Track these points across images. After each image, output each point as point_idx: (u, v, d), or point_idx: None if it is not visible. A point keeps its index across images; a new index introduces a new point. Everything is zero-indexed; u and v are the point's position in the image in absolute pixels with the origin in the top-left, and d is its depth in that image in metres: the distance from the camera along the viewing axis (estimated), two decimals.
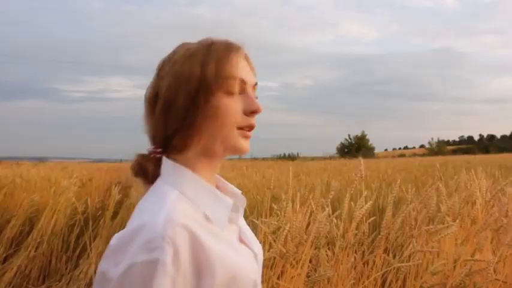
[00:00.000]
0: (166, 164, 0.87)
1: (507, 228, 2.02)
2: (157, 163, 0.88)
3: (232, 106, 0.84)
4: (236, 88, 0.85)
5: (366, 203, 2.05)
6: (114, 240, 0.75)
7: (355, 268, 1.99)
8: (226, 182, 0.99)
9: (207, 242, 0.77)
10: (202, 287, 0.75)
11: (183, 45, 0.91)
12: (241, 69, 0.87)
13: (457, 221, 2.15)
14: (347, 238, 1.98)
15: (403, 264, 1.81)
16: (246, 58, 0.92)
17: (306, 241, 1.87)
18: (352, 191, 2.05)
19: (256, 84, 0.91)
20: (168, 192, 0.82)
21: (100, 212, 6.78)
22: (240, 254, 0.88)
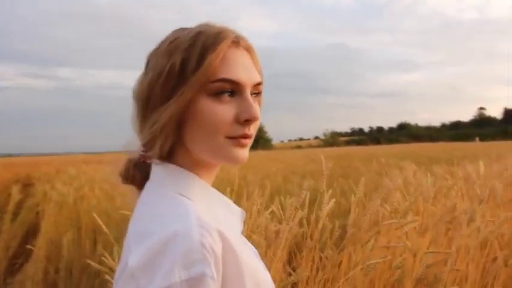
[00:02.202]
0: (165, 167, 0.74)
1: (459, 220, 2.10)
2: (147, 168, 0.77)
3: (219, 112, 0.70)
4: (224, 90, 0.71)
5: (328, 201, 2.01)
6: (134, 260, 0.60)
7: (323, 268, 1.94)
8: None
9: (238, 249, 0.67)
10: None
11: (174, 32, 0.77)
12: (233, 66, 0.72)
13: (410, 215, 2.21)
14: (315, 238, 1.93)
15: (374, 261, 1.80)
16: (248, 50, 0.77)
17: (275, 243, 1.78)
18: (322, 190, 1.99)
19: (259, 84, 0.76)
20: (179, 197, 0.70)
21: None
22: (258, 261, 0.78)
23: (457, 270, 1.91)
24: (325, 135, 74.68)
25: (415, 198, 2.20)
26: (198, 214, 0.64)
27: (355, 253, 1.97)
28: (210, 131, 0.70)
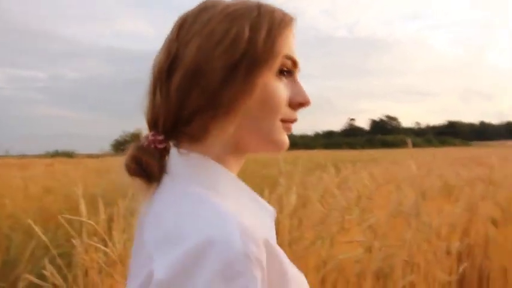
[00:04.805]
0: (189, 156, 0.63)
1: (407, 215, 2.24)
2: (162, 156, 0.65)
3: (281, 92, 0.64)
4: (286, 68, 0.66)
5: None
6: (162, 270, 0.50)
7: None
8: None
9: (284, 258, 0.58)
10: None
11: (215, 2, 0.67)
12: (292, 45, 0.67)
13: (358, 212, 2.30)
14: (282, 234, 1.90)
15: (343, 256, 1.83)
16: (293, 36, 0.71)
17: None
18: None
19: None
20: (209, 196, 0.59)
21: None
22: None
23: (407, 261, 2.04)
24: None
25: (365, 195, 2.30)
26: (238, 219, 0.54)
27: (322, 249, 1.98)
28: (270, 111, 0.63)
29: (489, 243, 2.65)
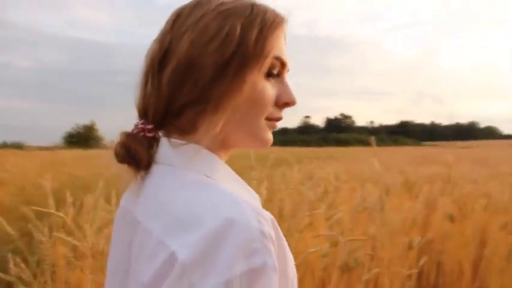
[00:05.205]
0: (182, 146, 0.66)
1: (371, 210, 2.32)
2: (150, 145, 0.67)
3: (269, 91, 0.67)
4: (276, 70, 0.69)
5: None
6: (184, 253, 0.52)
7: None
8: None
9: (283, 237, 0.62)
10: None
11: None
12: (283, 46, 0.71)
13: (325, 207, 2.36)
14: None
15: (312, 249, 1.88)
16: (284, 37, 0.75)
17: None
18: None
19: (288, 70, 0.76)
20: (212, 182, 0.63)
21: None
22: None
23: (371, 255, 2.12)
24: None
25: (331, 191, 2.36)
26: (247, 200, 0.58)
27: (291, 243, 2.02)
28: (256, 110, 0.66)
29: (446, 238, 2.80)
